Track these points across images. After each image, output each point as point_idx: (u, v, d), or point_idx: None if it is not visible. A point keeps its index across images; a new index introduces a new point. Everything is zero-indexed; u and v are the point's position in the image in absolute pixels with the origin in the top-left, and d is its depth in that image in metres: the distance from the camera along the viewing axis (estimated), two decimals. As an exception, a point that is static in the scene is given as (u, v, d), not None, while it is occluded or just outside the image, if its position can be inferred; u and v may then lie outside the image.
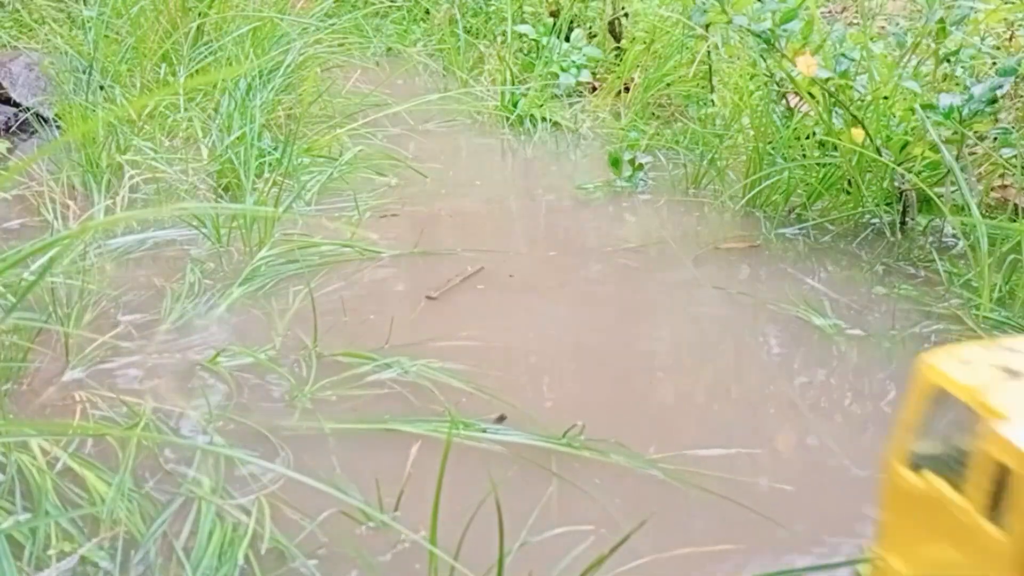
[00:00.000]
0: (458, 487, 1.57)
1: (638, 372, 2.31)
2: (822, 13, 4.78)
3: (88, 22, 4.02)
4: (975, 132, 2.88)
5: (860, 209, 3.15)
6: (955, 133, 2.88)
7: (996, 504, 1.01)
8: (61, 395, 2.10)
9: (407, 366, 2.20)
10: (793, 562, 1.63)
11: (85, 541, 1.61)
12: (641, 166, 3.63)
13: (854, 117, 2.99)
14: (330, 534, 1.66)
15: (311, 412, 2.05)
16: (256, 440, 1.96)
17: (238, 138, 3.35)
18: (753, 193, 3.29)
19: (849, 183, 3.20)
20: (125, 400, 2.05)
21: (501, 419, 2.02)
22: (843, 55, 3.11)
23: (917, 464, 1.17)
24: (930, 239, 3.04)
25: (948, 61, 3.16)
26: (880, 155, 2.98)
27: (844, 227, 3.15)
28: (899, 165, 2.99)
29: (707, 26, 3.40)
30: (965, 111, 2.82)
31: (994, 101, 2.81)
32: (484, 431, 1.96)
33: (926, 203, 3.07)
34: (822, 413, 2.12)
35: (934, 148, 2.88)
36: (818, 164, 3.25)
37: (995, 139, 2.95)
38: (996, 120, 2.91)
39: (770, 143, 3.37)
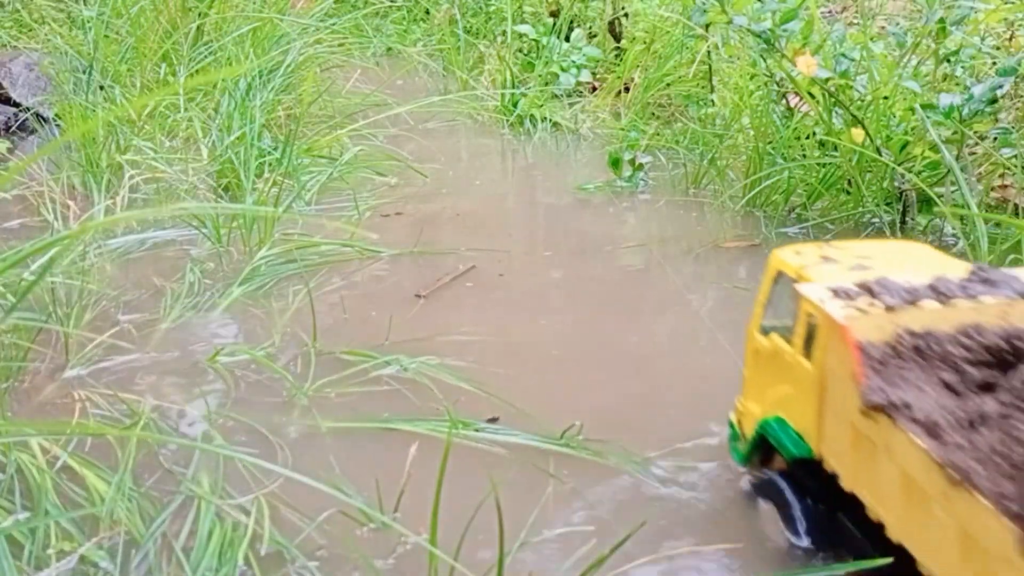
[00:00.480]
0: (457, 487, 1.57)
1: (635, 368, 2.31)
2: (822, 13, 4.78)
3: (88, 22, 4.02)
4: (975, 132, 2.88)
5: (860, 209, 3.15)
6: (955, 133, 2.88)
7: (808, 345, 1.47)
8: (61, 394, 2.11)
9: (406, 364, 2.20)
10: (791, 561, 1.63)
11: (85, 540, 1.61)
12: (641, 166, 3.63)
13: (854, 117, 2.99)
14: (330, 534, 1.66)
15: (310, 410, 2.05)
16: (255, 438, 1.96)
17: (238, 138, 3.35)
18: (753, 193, 3.29)
19: (849, 183, 3.20)
20: (124, 399, 2.05)
21: (493, 420, 2.01)
22: (843, 55, 3.11)
23: (766, 330, 1.63)
24: (930, 239, 3.04)
25: (948, 61, 3.16)
26: (880, 155, 2.98)
27: (844, 227, 3.15)
28: (899, 165, 2.99)
29: (707, 26, 3.41)
30: (965, 111, 2.83)
31: (994, 101, 2.81)
32: (478, 430, 1.96)
33: (926, 203, 3.07)
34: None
35: (934, 148, 2.88)
36: (818, 164, 3.25)
37: (995, 139, 2.96)
38: (996, 120, 2.91)
39: (770, 143, 3.37)
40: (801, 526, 1.56)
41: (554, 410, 2.05)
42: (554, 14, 5.17)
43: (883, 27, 4.24)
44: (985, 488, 1.13)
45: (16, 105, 4.19)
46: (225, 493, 1.74)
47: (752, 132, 3.45)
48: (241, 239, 2.92)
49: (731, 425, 1.79)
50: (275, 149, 3.39)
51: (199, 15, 4.17)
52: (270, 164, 3.31)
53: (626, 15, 5.03)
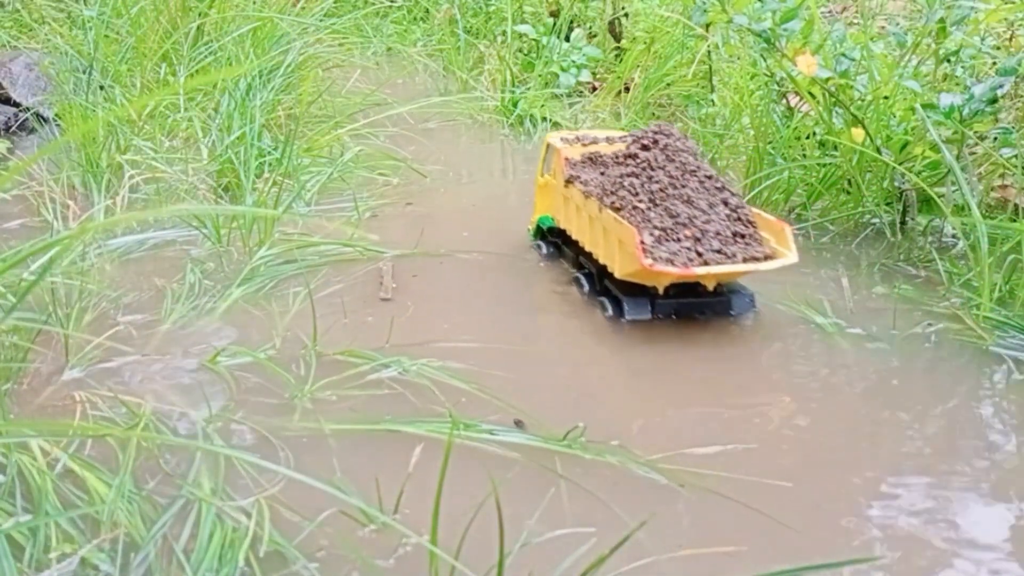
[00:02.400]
0: (459, 488, 1.57)
1: (635, 370, 2.31)
2: (822, 13, 4.78)
3: (88, 22, 4.02)
4: (975, 132, 2.88)
5: (860, 209, 3.15)
6: (955, 133, 2.88)
7: (555, 173, 2.79)
8: (61, 395, 2.10)
9: (407, 366, 2.20)
10: (791, 561, 1.63)
11: (85, 543, 1.61)
12: (641, 166, 3.62)
13: (854, 117, 2.99)
14: (331, 536, 1.66)
15: (311, 412, 2.05)
16: (256, 441, 1.96)
17: (238, 138, 3.35)
18: (753, 193, 3.29)
19: (849, 183, 3.20)
20: (125, 400, 2.05)
21: (519, 424, 2.00)
22: (843, 55, 3.11)
23: (543, 173, 2.91)
24: (930, 239, 3.04)
25: (948, 61, 3.16)
26: (880, 155, 2.98)
27: (844, 227, 3.16)
28: (899, 165, 2.99)
29: (707, 26, 3.40)
30: (965, 111, 2.82)
31: (994, 101, 2.81)
32: (490, 432, 1.96)
33: (926, 203, 3.07)
34: (821, 411, 2.13)
35: (934, 148, 2.88)
36: (818, 164, 3.25)
37: (995, 139, 2.95)
38: (996, 120, 2.91)
39: (770, 143, 3.37)
40: (545, 251, 2.94)
41: (556, 411, 2.05)
42: (554, 14, 5.17)
43: (883, 27, 4.23)
44: (595, 195, 2.54)
45: (16, 105, 4.18)
46: (226, 495, 1.74)
47: (752, 132, 3.45)
48: (241, 239, 2.92)
49: (528, 229, 3.05)
50: (275, 149, 3.39)
51: (199, 15, 4.17)
52: (270, 164, 3.31)
53: (626, 15, 5.02)
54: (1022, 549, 1.70)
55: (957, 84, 3.13)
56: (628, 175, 2.52)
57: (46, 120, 4.10)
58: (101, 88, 3.77)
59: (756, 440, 2.00)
